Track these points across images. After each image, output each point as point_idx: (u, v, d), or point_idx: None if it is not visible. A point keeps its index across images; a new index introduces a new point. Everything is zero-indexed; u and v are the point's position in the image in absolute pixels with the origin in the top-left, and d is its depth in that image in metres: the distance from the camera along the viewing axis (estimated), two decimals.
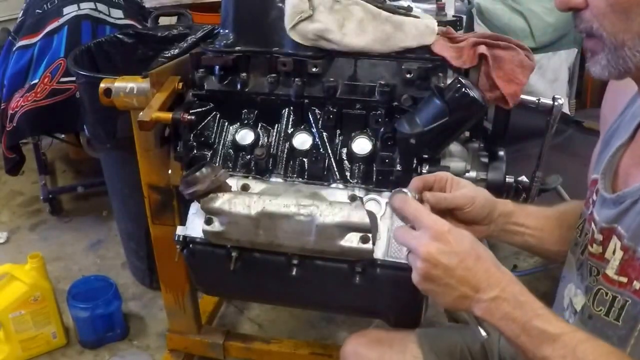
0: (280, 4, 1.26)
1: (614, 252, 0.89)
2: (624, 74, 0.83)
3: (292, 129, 1.30)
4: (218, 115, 1.33)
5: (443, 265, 0.83)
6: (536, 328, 0.79)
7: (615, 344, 0.83)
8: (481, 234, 1.06)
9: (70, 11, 2.40)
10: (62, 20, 2.38)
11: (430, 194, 0.98)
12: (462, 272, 0.83)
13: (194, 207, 1.28)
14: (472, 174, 1.26)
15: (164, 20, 2.80)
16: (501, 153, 1.28)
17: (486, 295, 0.82)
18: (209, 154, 1.31)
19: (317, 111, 1.28)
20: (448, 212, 0.99)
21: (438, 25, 1.25)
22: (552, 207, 1.16)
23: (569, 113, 2.55)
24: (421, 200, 0.96)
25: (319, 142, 1.28)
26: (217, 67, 1.30)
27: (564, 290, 1.04)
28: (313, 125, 1.28)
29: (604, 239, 0.92)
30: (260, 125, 1.31)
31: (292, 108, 1.30)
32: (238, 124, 1.32)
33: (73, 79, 2.16)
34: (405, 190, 0.94)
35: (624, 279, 0.86)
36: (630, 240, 0.86)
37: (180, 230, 1.30)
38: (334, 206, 1.16)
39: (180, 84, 1.35)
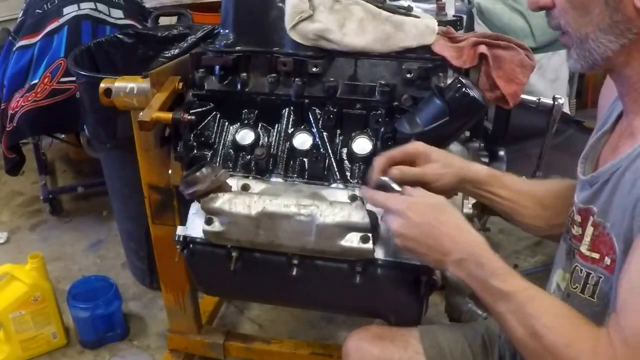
0: (281, 4, 1.26)
1: (588, 231, 0.93)
2: (594, 66, 0.89)
3: (292, 129, 1.30)
4: (218, 115, 1.33)
5: (411, 238, 0.96)
6: (493, 286, 0.89)
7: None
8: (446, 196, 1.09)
9: (70, 11, 2.40)
10: (62, 20, 2.38)
11: (396, 169, 1.06)
12: (429, 241, 0.95)
13: (194, 207, 1.28)
14: None
15: (164, 20, 2.80)
16: (501, 153, 1.29)
17: (453, 257, 0.93)
18: (209, 154, 1.31)
19: (317, 111, 1.28)
20: (417, 183, 1.06)
21: (438, 25, 1.25)
22: (532, 182, 1.20)
23: (569, 113, 2.54)
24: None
25: (319, 142, 1.28)
26: (217, 67, 1.30)
27: (553, 276, 1.07)
28: (313, 125, 1.28)
29: (582, 220, 0.96)
30: (260, 125, 1.31)
31: (292, 108, 1.30)
32: (238, 124, 1.32)
33: (73, 79, 2.16)
34: (384, 178, 1.04)
35: (596, 255, 0.91)
36: (599, 216, 0.90)
37: (180, 230, 1.30)
38: (334, 206, 1.16)
39: (181, 84, 1.35)
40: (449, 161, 1.10)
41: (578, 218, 0.97)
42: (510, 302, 0.87)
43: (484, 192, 1.13)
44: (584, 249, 0.94)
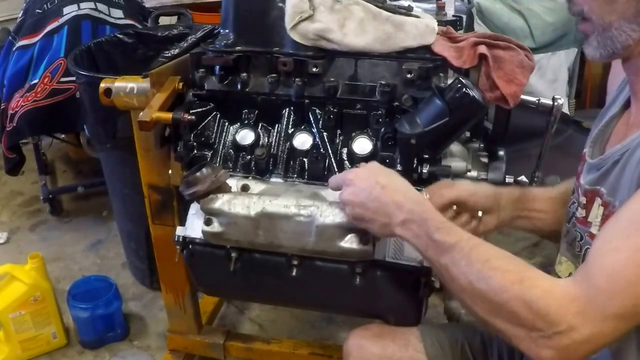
0: (281, 4, 1.26)
1: (597, 212, 0.93)
2: (613, 55, 0.89)
3: (292, 129, 1.29)
4: (218, 116, 1.33)
5: (357, 203, 0.98)
6: (437, 240, 0.89)
7: None
8: (491, 224, 1.14)
9: (70, 11, 2.40)
10: (62, 20, 2.38)
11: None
12: (373, 205, 0.96)
13: (194, 208, 1.28)
14: (473, 173, 1.26)
15: (164, 20, 2.80)
16: (501, 153, 1.28)
17: (397, 219, 0.93)
18: (209, 154, 1.31)
19: (317, 111, 1.28)
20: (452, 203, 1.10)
21: (438, 25, 1.25)
22: (554, 188, 1.21)
23: (568, 113, 2.55)
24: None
25: (320, 142, 1.28)
26: (217, 67, 1.30)
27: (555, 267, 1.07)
28: (313, 125, 1.28)
29: (587, 202, 0.96)
30: (260, 125, 1.31)
31: (292, 108, 1.30)
32: (238, 124, 1.32)
33: (73, 78, 2.16)
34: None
35: None
36: (609, 195, 0.90)
37: (179, 231, 1.30)
38: (334, 207, 1.16)
39: (181, 84, 1.35)
40: (479, 184, 1.15)
41: (583, 200, 0.98)
42: (455, 251, 0.86)
43: (521, 212, 1.15)
44: (594, 229, 0.94)
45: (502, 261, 0.83)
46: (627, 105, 0.97)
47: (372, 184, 0.97)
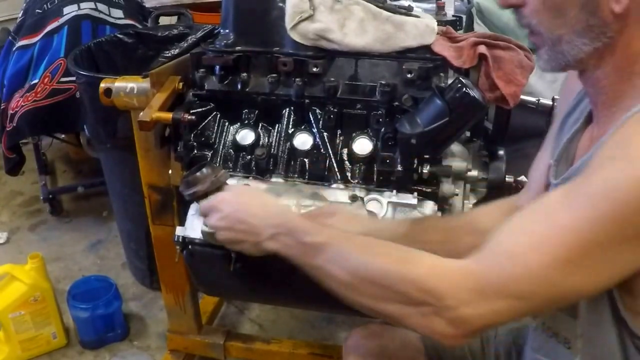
0: (281, 4, 1.26)
1: None
2: (565, 67, 0.87)
3: (292, 129, 1.30)
4: (218, 116, 1.33)
5: (224, 227, 1.01)
6: (308, 243, 0.90)
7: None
8: None
9: (70, 11, 2.40)
10: (62, 20, 2.38)
11: None
12: (240, 226, 0.99)
13: (193, 208, 1.28)
14: (473, 173, 1.26)
15: (164, 20, 2.80)
16: (501, 153, 1.29)
17: (265, 235, 0.96)
18: (210, 154, 1.31)
19: (317, 111, 1.28)
20: None
21: (438, 25, 1.25)
22: (460, 214, 1.22)
23: None
24: None
25: (320, 142, 1.28)
26: (217, 67, 1.30)
27: None
28: (314, 125, 1.28)
29: None
30: (260, 125, 1.31)
31: (292, 108, 1.30)
32: (238, 124, 1.32)
33: (73, 78, 2.16)
34: None
35: None
36: None
37: (179, 231, 1.30)
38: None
39: (181, 84, 1.35)
40: (360, 216, 1.13)
41: None
42: (327, 248, 0.87)
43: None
44: None
45: (382, 247, 0.84)
46: (589, 118, 0.94)
47: (235, 207, 1.00)
